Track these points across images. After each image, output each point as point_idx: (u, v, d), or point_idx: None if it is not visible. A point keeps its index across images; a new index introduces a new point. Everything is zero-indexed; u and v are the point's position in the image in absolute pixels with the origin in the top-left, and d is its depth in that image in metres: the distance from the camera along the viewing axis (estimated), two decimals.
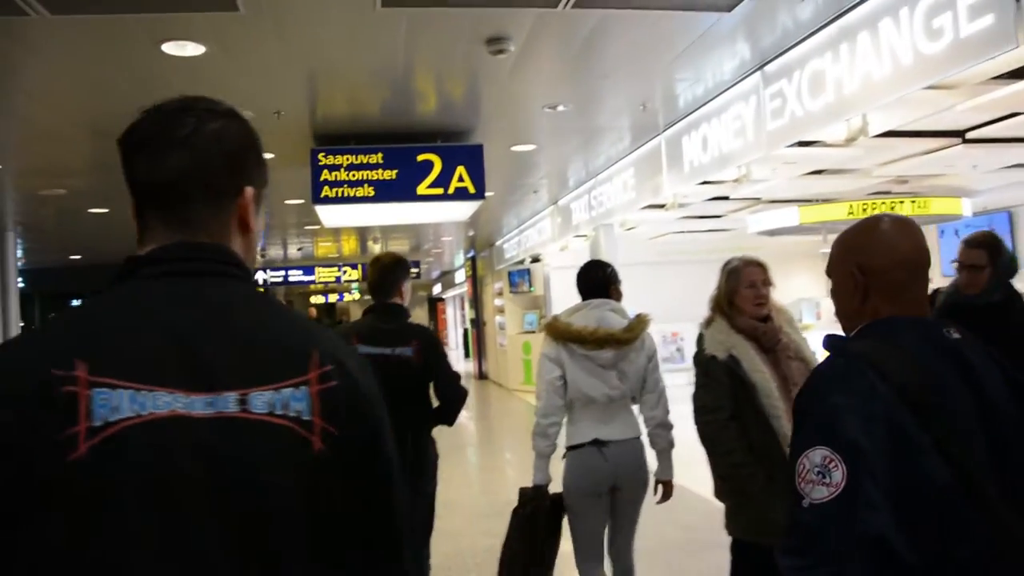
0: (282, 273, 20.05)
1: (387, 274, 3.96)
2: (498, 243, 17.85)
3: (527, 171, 9.40)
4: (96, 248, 14.66)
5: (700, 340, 3.50)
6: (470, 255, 20.44)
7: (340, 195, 6.69)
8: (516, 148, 7.87)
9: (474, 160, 6.87)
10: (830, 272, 1.69)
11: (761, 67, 5.63)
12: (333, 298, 41.91)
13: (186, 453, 0.97)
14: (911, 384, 1.38)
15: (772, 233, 11.68)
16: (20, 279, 17.98)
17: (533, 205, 12.70)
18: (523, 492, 3.80)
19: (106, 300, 1.12)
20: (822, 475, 1.32)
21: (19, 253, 15.08)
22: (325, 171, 6.69)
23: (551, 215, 12.41)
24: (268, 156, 5.01)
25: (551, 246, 13.05)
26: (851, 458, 1.32)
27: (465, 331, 29.83)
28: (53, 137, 6.57)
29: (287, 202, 10.40)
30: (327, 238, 15.92)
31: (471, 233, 16.06)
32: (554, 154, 8.53)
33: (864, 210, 9.96)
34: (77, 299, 18.77)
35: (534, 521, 3.68)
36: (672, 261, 16.71)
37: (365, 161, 6.74)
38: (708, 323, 3.52)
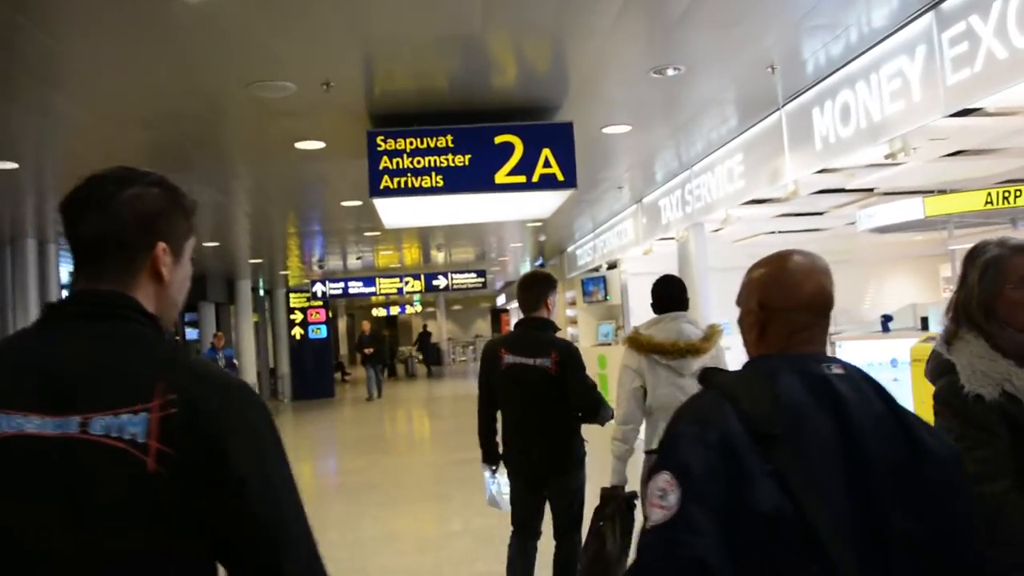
0: (341, 285, 19.14)
1: (532, 289, 4.32)
2: (569, 249, 16.68)
3: (613, 160, 8.23)
4: None
5: (942, 367, 2.25)
6: (539, 263, 19.33)
7: (403, 185, 5.60)
8: (609, 130, 6.71)
9: (562, 141, 5.74)
10: (738, 301, 1.69)
11: (935, 5, 4.39)
12: (395, 311, 41.28)
13: (32, 465, 1.22)
14: (759, 415, 1.40)
15: (885, 230, 10.29)
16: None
17: (611, 205, 11.52)
18: (604, 492, 3.99)
19: (11, 338, 1.40)
20: (661, 498, 1.37)
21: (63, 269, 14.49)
22: (384, 158, 5.62)
23: (634, 215, 11.20)
24: (317, 145, 4.32)
25: (633, 250, 11.84)
26: (683, 482, 1.36)
27: None
28: (90, 132, 5.78)
29: (343, 204, 9.39)
30: (388, 246, 14.94)
31: (542, 238, 14.91)
32: (647, 140, 7.35)
33: (1005, 198, 8.57)
34: None
35: (614, 519, 3.81)
36: None
37: (432, 145, 5.65)
38: (950, 339, 2.27)
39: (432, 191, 5.61)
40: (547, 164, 5.69)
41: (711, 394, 1.50)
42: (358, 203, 9.05)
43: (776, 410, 1.42)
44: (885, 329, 10.65)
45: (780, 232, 14.25)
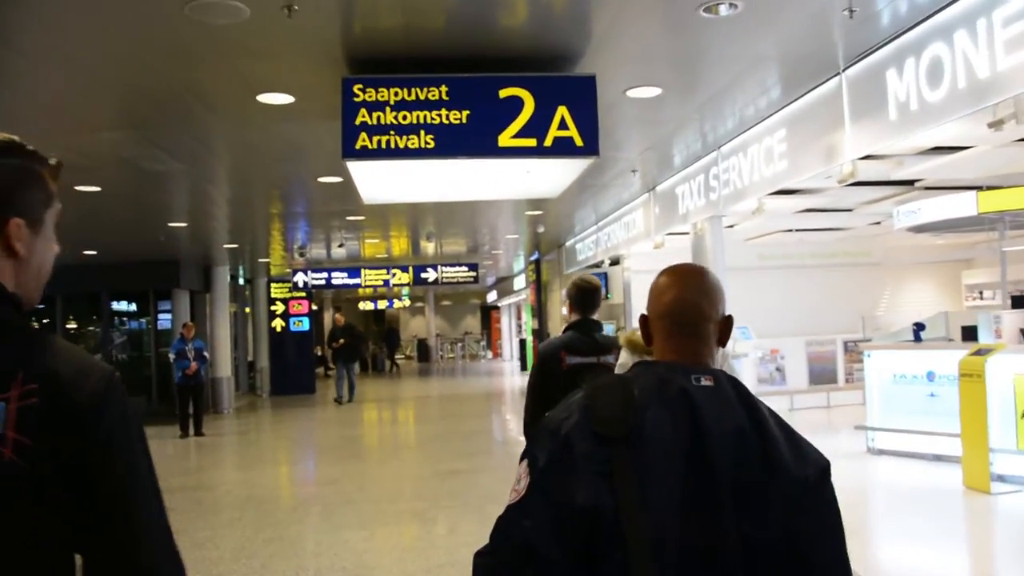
0: (325, 275, 18.01)
1: (592, 295, 4.30)
2: (568, 243, 15.62)
3: (632, 135, 7.17)
4: (108, 242, 12.79)
5: None
6: (534, 258, 18.26)
7: (384, 146, 4.53)
8: (635, 92, 5.63)
9: (583, 98, 4.69)
10: None
11: None
12: (382, 304, 40.19)
13: None
14: (605, 417, 1.46)
15: (927, 228, 9.27)
16: None
17: (620, 193, 10.46)
18: None
19: None
20: (517, 483, 1.49)
21: None
22: (363, 111, 4.55)
23: (645, 205, 10.14)
24: (284, 100, 3.36)
25: (641, 244, 10.79)
26: (531, 471, 1.48)
27: (522, 342, 27.81)
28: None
29: (321, 180, 8.28)
30: (374, 233, 13.85)
31: (540, 229, 13.83)
32: (677, 109, 6.30)
33: None
34: (100, 300, 17.06)
35: None
36: (773, 267, 14.41)
37: (422, 97, 4.58)
38: None
39: (420, 153, 4.54)
40: (563, 126, 4.62)
41: (580, 395, 1.55)
42: (338, 179, 7.95)
43: (625, 414, 1.46)
44: (917, 339, 9.66)
45: (797, 230, 13.27)
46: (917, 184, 8.96)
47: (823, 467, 1.55)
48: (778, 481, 1.46)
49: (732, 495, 1.42)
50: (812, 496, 1.50)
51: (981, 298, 14.60)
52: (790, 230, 12.90)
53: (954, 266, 15.65)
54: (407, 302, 39.64)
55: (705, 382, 1.51)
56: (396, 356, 33.41)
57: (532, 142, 4.59)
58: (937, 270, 15.76)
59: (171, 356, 13.60)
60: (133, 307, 18.06)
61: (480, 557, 1.50)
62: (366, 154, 4.52)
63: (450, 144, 4.56)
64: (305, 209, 10.77)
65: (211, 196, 9.42)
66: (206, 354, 13.88)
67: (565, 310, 14.26)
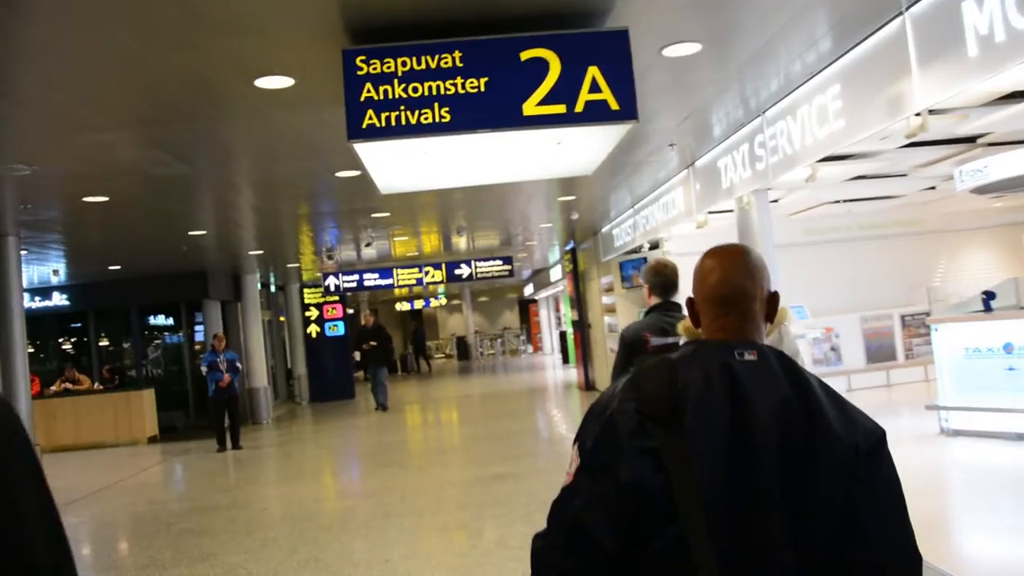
0: (356, 278, 17.58)
1: (670, 278, 4.37)
2: (604, 229, 15.02)
3: (669, 103, 6.60)
4: (131, 255, 12.47)
5: None
6: (569, 247, 17.68)
7: (395, 123, 4.01)
8: (672, 50, 5.05)
9: (616, 56, 4.12)
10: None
11: None
12: (419, 304, 39.85)
13: None
14: (650, 397, 1.48)
15: (994, 188, 8.54)
16: (65, 296, 16.16)
17: (655, 172, 9.86)
18: None
19: None
20: (569, 465, 1.54)
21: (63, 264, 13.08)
22: (368, 86, 4.03)
23: (684, 183, 9.53)
24: (284, 83, 3.67)
25: (682, 224, 10.18)
26: (581, 454, 1.53)
27: (562, 334, 27.26)
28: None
29: (339, 175, 7.80)
30: (404, 230, 13.37)
31: (574, 216, 13.25)
32: (717, 70, 5.71)
33: None
34: (130, 315, 16.79)
35: None
36: (820, 241, 13.72)
37: (434, 65, 4.05)
38: None
39: (435, 129, 4.01)
40: (595, 88, 4.06)
41: (627, 377, 1.58)
42: (356, 173, 7.47)
43: (670, 393, 1.47)
44: (988, 308, 8.95)
45: (845, 200, 12.54)
46: (980, 140, 8.26)
47: (878, 436, 1.52)
48: (825, 448, 1.46)
49: (779, 465, 1.43)
50: (866, 465, 1.47)
51: None
52: (837, 201, 12.18)
53: (1013, 229, 14.80)
54: (443, 300, 39.31)
55: (749, 356, 1.53)
56: (436, 355, 33.10)
57: (561, 108, 4.04)
58: (995, 236, 14.92)
59: (203, 369, 13.26)
60: (170, 321, 17.84)
61: (537, 539, 1.55)
62: (375, 133, 4.00)
63: (468, 116, 4.03)
64: (327, 208, 10.31)
65: (227, 200, 8.99)
66: (239, 365, 13.52)
67: (606, 298, 13.68)
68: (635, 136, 7.59)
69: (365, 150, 4.29)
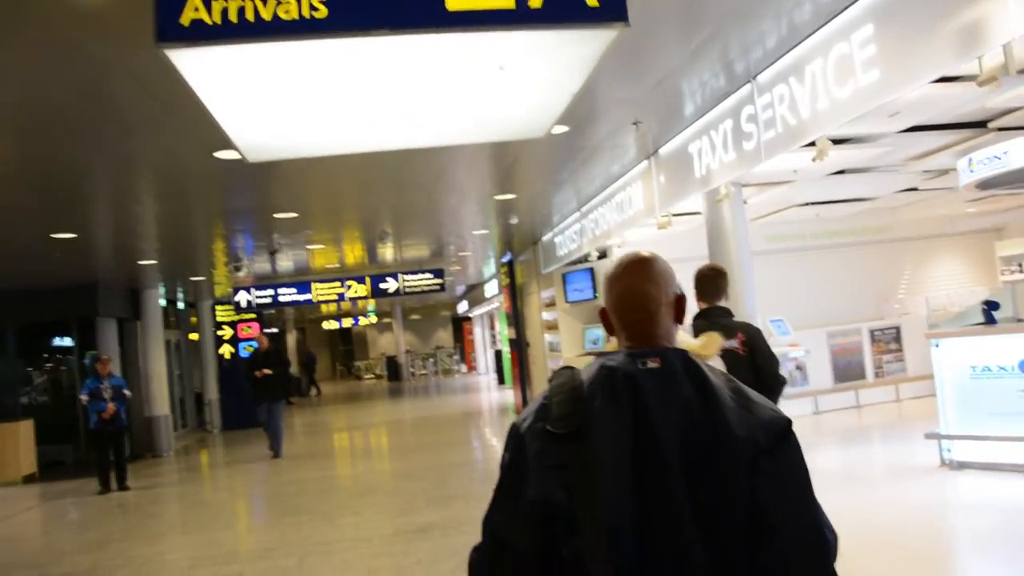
0: (270, 292, 15.76)
1: (712, 281, 4.33)
2: (546, 237, 13.57)
3: (637, 64, 5.16)
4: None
5: None
6: (506, 259, 16.17)
7: (235, 18, 2.43)
8: None
9: None
10: None
11: None
12: (348, 323, 37.91)
13: None
14: (557, 415, 1.50)
15: (1001, 182, 7.31)
16: None
17: (608, 167, 8.44)
18: None
19: None
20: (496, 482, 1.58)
21: None
22: None
23: (644, 176, 8.11)
24: None
25: (641, 226, 8.77)
26: (500, 468, 1.58)
27: (497, 353, 25.70)
28: None
29: (218, 156, 6.13)
30: (320, 236, 11.66)
31: (513, 220, 11.72)
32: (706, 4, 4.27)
33: None
34: (5, 337, 14.67)
35: None
36: (782, 249, 12.54)
37: None
38: None
39: (300, 28, 2.44)
40: None
41: (541, 394, 1.60)
42: (234, 156, 5.82)
43: (574, 410, 1.50)
44: (990, 320, 7.72)
45: (812, 203, 11.29)
46: (991, 124, 7.04)
47: (780, 427, 1.51)
48: (724, 445, 1.46)
49: (682, 468, 1.44)
50: (768, 458, 1.47)
51: (1021, 271, 12.74)
52: (807, 203, 10.94)
53: (984, 237, 13.81)
54: (374, 318, 37.37)
55: (651, 364, 1.54)
56: (365, 375, 31.46)
57: (508, 2, 2.52)
58: (965, 243, 13.94)
59: (83, 398, 11.35)
60: (61, 340, 15.81)
61: (473, 553, 1.57)
62: (201, 34, 2.42)
63: (356, 10, 2.48)
64: (218, 205, 8.57)
65: (83, 191, 7.25)
66: (126, 392, 11.60)
67: (546, 313, 12.16)
68: (590, 112, 6.15)
69: (193, 70, 2.69)
